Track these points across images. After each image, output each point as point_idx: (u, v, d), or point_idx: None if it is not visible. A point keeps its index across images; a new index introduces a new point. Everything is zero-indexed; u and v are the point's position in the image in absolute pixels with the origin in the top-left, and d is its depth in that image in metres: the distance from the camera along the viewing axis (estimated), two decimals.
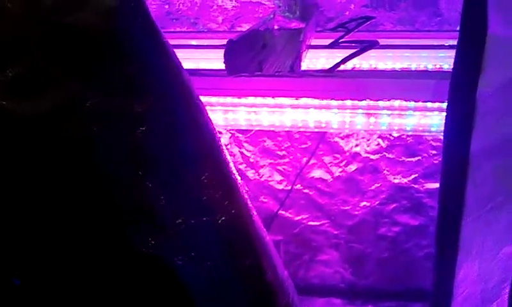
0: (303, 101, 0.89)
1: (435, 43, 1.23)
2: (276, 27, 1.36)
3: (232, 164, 0.58)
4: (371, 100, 0.83)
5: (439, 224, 0.84)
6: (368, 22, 1.17)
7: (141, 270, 0.50)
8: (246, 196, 0.59)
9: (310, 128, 0.92)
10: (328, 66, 0.90)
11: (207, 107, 0.94)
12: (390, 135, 1.54)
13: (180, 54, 1.22)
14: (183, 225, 0.51)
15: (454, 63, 0.75)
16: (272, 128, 0.90)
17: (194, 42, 1.39)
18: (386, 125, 0.90)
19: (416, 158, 1.58)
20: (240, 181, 0.59)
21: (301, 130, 0.95)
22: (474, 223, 0.81)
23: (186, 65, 1.13)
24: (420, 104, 0.89)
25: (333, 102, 0.88)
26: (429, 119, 0.91)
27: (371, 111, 0.89)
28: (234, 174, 0.58)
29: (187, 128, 0.51)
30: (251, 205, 0.59)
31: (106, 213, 0.49)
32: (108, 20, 0.44)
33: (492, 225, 0.82)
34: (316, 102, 0.88)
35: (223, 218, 0.52)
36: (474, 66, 0.72)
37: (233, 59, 0.79)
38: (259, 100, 0.90)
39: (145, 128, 0.46)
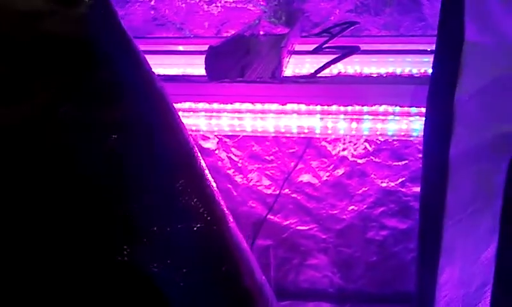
0: (286, 107, 0.89)
1: (419, 48, 1.24)
2: (261, 32, 1.37)
3: (207, 171, 0.58)
4: (352, 105, 0.84)
5: (420, 228, 0.85)
6: (351, 27, 1.18)
7: (116, 278, 0.50)
8: (222, 203, 0.59)
9: (293, 134, 0.92)
10: (311, 72, 0.91)
11: (191, 113, 0.94)
12: (377, 139, 1.55)
13: (165, 59, 1.22)
14: (158, 232, 0.51)
15: (432, 69, 0.76)
16: (256, 134, 0.90)
17: (180, 48, 1.40)
18: (368, 130, 0.90)
19: (403, 162, 1.59)
20: (215, 188, 0.59)
21: (286, 135, 0.95)
22: (455, 227, 0.82)
23: (172, 71, 1.14)
24: (402, 109, 0.90)
25: (317, 108, 0.89)
26: (412, 125, 0.92)
27: (353, 116, 0.90)
28: (210, 181, 0.58)
29: (161, 136, 0.51)
30: (227, 211, 0.59)
31: (80, 221, 0.49)
32: (77, 28, 0.44)
33: (473, 229, 0.83)
34: (299, 107, 0.89)
35: (199, 225, 0.52)
36: (451, 72, 0.73)
37: (214, 65, 0.79)
38: (243, 106, 0.91)
39: (117, 136, 0.46)
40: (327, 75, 0.89)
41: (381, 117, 0.89)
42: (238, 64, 0.81)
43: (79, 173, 0.47)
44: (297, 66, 1.12)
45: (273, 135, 0.91)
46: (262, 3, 1.47)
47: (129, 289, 0.51)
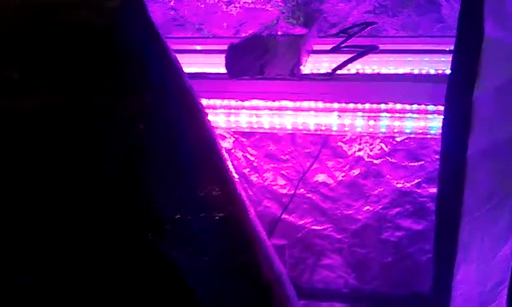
0: (304, 104, 0.91)
1: (437, 48, 1.24)
2: (279, 33, 1.38)
3: (229, 163, 0.60)
4: (370, 103, 0.85)
5: (437, 226, 0.85)
6: (368, 27, 1.19)
7: (140, 264, 0.52)
8: (243, 194, 0.60)
9: (310, 131, 0.94)
10: (329, 71, 0.92)
11: (210, 110, 0.96)
12: (393, 139, 1.55)
13: (185, 58, 1.24)
14: (181, 221, 0.52)
15: (451, 67, 0.77)
16: (274, 131, 0.91)
17: (198, 47, 1.42)
18: (385, 128, 0.91)
19: (420, 163, 1.59)
20: (237, 179, 0.61)
21: (303, 132, 0.96)
22: (472, 224, 0.82)
23: (191, 69, 1.16)
24: (419, 107, 0.90)
25: (334, 105, 0.90)
26: (429, 122, 0.93)
27: (371, 114, 0.90)
28: (231, 172, 0.59)
29: (185, 128, 0.53)
30: (248, 203, 0.61)
31: (105, 210, 0.51)
32: (109, 20, 0.46)
33: (490, 226, 0.83)
34: (317, 104, 0.90)
35: (221, 215, 0.54)
36: (470, 69, 0.73)
37: (234, 63, 0.81)
38: (261, 103, 0.92)
39: (143, 125, 0.48)
40: (345, 73, 0.90)
41: (398, 115, 0.89)
42: (257, 62, 0.83)
43: (106, 161, 0.49)
44: (315, 65, 1.13)
45: (290, 132, 0.92)
46: (280, 4, 1.49)
47: (152, 275, 0.52)
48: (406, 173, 1.60)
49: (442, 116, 0.79)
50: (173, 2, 1.57)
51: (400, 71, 1.15)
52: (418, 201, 1.62)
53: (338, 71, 0.85)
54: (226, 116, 0.95)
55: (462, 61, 0.75)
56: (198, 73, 0.95)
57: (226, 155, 0.59)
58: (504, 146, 0.78)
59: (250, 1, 1.52)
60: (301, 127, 0.94)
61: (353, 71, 1.11)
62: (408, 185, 1.62)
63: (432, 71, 1.16)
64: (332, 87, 0.82)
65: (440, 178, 0.82)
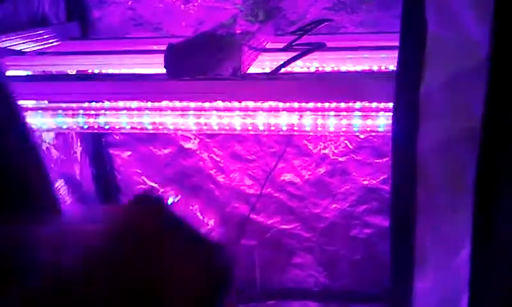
0: (251, 104, 0.89)
1: (396, 45, 1.23)
2: (237, 31, 1.36)
3: None
4: (315, 102, 0.83)
5: (392, 231, 0.83)
6: (322, 25, 1.17)
7: None
8: None
9: (259, 131, 0.92)
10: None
11: (157, 112, 0.94)
12: (357, 136, 1.54)
13: (143, 59, 1.21)
14: None
15: (397, 64, 0.75)
16: (222, 132, 0.89)
17: (156, 47, 1.39)
18: (333, 126, 0.89)
19: (385, 159, 1.58)
20: None
21: (251, 133, 0.95)
22: (428, 229, 0.80)
23: (150, 70, 1.14)
24: (367, 105, 0.89)
25: (280, 104, 0.88)
26: (378, 120, 0.91)
27: (318, 113, 0.89)
28: None
29: None
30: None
31: None
32: None
33: (447, 230, 0.80)
34: (263, 104, 0.88)
35: None
36: (416, 65, 0.72)
37: (174, 63, 0.79)
38: (207, 104, 0.90)
39: None
40: (289, 72, 0.88)
41: (344, 113, 0.88)
42: (198, 62, 0.80)
43: None
44: (272, 64, 1.11)
45: (239, 132, 0.90)
46: (238, 2, 1.47)
47: None
48: (371, 169, 1.60)
49: (390, 114, 0.78)
50: (130, 2, 1.54)
51: (359, 68, 1.14)
52: (385, 198, 1.62)
53: (283, 70, 0.83)
54: (173, 118, 0.92)
55: (407, 56, 0.74)
56: (138, 74, 0.93)
57: None
58: (455, 142, 0.76)
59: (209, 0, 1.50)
60: (250, 127, 0.92)
61: (313, 69, 1.10)
62: (374, 181, 1.61)
63: (391, 67, 1.15)
64: (274, 86, 0.80)
65: (392, 181, 0.80)
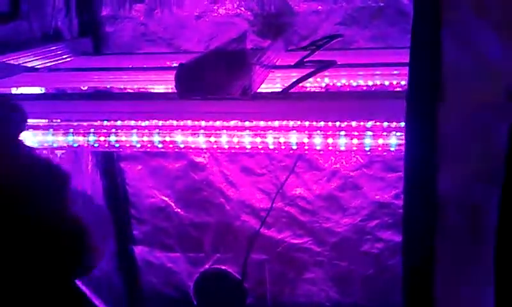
0: (260, 123, 0.89)
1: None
2: (248, 46, 1.37)
3: None
4: (326, 121, 0.83)
5: (406, 284, 0.71)
6: (334, 40, 1.17)
7: None
8: None
9: (270, 150, 0.92)
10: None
11: (167, 131, 0.94)
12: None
13: (154, 76, 1.22)
14: None
15: (408, 91, 0.69)
16: (232, 151, 0.89)
17: (168, 63, 1.40)
18: (344, 146, 0.89)
19: (397, 174, 1.57)
20: None
21: (262, 152, 0.94)
22: (448, 279, 0.71)
23: (160, 87, 1.14)
24: (378, 124, 0.88)
25: (290, 123, 0.88)
26: (389, 139, 0.91)
27: (329, 132, 0.88)
28: None
29: None
30: None
31: None
32: None
33: (469, 277, 0.73)
34: (273, 123, 0.88)
35: None
36: (431, 97, 0.66)
37: (185, 82, 0.79)
38: (217, 123, 0.90)
39: None
40: (299, 91, 0.88)
41: (357, 132, 0.87)
42: (210, 81, 0.81)
43: None
44: (283, 81, 1.11)
45: (249, 151, 0.90)
46: (250, 17, 1.47)
47: None
48: (383, 184, 1.58)
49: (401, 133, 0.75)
50: (143, 17, 1.55)
51: (370, 84, 1.13)
52: (397, 213, 1.60)
53: (299, 85, 0.83)
54: (183, 136, 0.92)
55: (420, 85, 0.67)
56: (148, 92, 0.93)
57: None
58: (475, 182, 0.69)
59: (220, 15, 1.50)
60: (260, 146, 0.91)
61: (323, 85, 1.10)
62: (386, 196, 1.60)
63: (403, 83, 1.14)
64: (285, 106, 0.80)
65: (405, 223, 0.69)
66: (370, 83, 1.14)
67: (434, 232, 0.66)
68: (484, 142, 0.65)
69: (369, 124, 0.84)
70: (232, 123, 0.89)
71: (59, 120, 1.00)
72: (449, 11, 0.63)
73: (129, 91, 1.08)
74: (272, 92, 0.87)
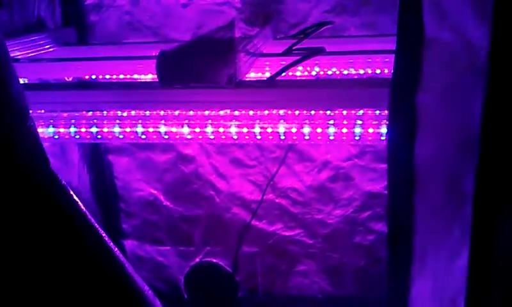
0: (247, 112, 0.86)
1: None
2: (236, 35, 1.33)
3: None
4: (315, 110, 0.80)
5: (389, 238, 0.81)
6: (323, 27, 1.14)
7: None
8: None
9: (256, 140, 0.89)
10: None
11: (150, 121, 0.91)
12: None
13: (140, 65, 1.18)
14: None
15: (393, 70, 0.72)
16: (214, 141, 0.86)
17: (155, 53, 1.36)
18: (333, 135, 0.86)
19: None
20: None
21: (250, 142, 0.92)
22: (425, 236, 0.78)
23: (147, 77, 1.11)
24: (367, 112, 0.86)
25: (279, 112, 0.85)
26: (380, 128, 0.88)
27: (317, 121, 0.86)
28: None
29: None
30: None
31: None
32: None
33: (444, 238, 0.79)
34: (260, 113, 0.85)
35: None
36: (412, 71, 0.69)
37: (166, 70, 0.76)
38: (202, 113, 0.87)
39: None
40: (286, 78, 0.85)
41: (345, 121, 0.85)
42: (194, 69, 0.77)
43: None
44: (271, 69, 1.08)
45: (235, 142, 0.87)
46: (238, 5, 1.44)
47: None
48: (375, 175, 1.56)
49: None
50: (128, 6, 1.51)
51: (351, 72, 1.10)
52: None
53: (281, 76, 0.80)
54: (167, 127, 0.89)
55: (403, 62, 0.71)
56: (130, 81, 0.90)
57: None
58: (453, 151, 0.73)
59: (208, 3, 1.47)
60: (247, 137, 0.89)
61: (314, 73, 1.07)
62: (378, 187, 1.58)
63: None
64: (271, 94, 0.77)
65: (389, 188, 0.77)
66: (361, 71, 1.11)
67: (413, 195, 0.73)
68: (461, 112, 0.70)
69: (360, 113, 0.81)
70: (219, 112, 0.86)
71: (43, 111, 0.97)
72: None
73: (113, 81, 1.05)
74: (258, 80, 0.84)
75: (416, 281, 0.80)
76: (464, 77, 0.69)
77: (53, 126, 0.91)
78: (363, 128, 0.84)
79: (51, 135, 0.91)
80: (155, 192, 1.69)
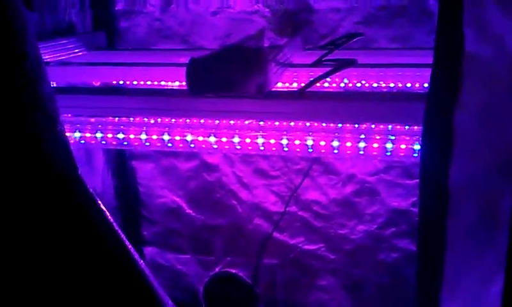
0: (275, 123, 0.84)
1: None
2: (265, 45, 1.32)
3: None
4: (343, 123, 0.78)
5: (420, 260, 0.77)
6: (353, 39, 1.12)
7: None
8: None
9: (283, 152, 0.87)
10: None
11: (178, 129, 0.90)
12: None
13: (168, 72, 1.18)
14: None
15: (429, 85, 0.69)
16: (245, 152, 0.85)
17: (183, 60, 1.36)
18: (363, 150, 0.84)
19: (415, 181, 1.51)
20: None
21: (275, 154, 0.90)
22: (457, 260, 0.74)
23: (175, 84, 1.10)
24: (399, 127, 0.83)
25: (306, 124, 0.83)
26: (413, 145, 0.85)
27: (347, 135, 0.83)
28: None
29: None
30: None
31: None
32: None
33: (476, 263, 0.75)
34: (288, 124, 0.83)
35: None
36: (450, 87, 0.66)
37: (196, 79, 0.75)
38: (229, 122, 0.86)
39: None
40: (316, 90, 0.83)
41: (378, 136, 0.82)
42: (223, 78, 0.76)
43: None
44: (300, 80, 1.06)
45: (263, 153, 0.85)
46: (267, 14, 1.43)
47: None
48: (401, 191, 1.52)
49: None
50: (158, 12, 1.51)
51: (382, 85, 1.08)
52: (415, 221, 1.54)
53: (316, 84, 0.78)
54: (194, 136, 0.88)
55: (441, 76, 0.68)
56: (159, 89, 0.90)
57: None
58: (490, 173, 0.70)
59: (237, 11, 1.46)
60: (274, 148, 0.87)
61: (342, 85, 1.05)
62: (404, 204, 1.54)
63: (427, 85, 1.09)
64: (301, 106, 0.75)
65: (420, 208, 0.74)
66: (391, 85, 1.09)
67: (445, 217, 0.69)
68: (499, 132, 0.67)
69: (390, 127, 0.78)
70: (246, 122, 0.85)
71: (69, 115, 0.97)
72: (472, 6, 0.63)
73: (140, 87, 1.04)
74: (288, 91, 0.83)
75: (445, 305, 0.77)
76: (503, 95, 0.66)
77: (79, 131, 0.90)
78: (394, 144, 0.81)
79: (77, 140, 0.90)
80: (178, 199, 1.68)
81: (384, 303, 1.66)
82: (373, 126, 0.80)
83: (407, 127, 0.79)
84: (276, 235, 1.64)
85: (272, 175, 1.60)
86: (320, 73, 0.81)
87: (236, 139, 0.80)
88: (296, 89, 0.82)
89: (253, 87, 0.75)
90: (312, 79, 0.79)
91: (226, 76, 0.75)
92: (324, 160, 1.54)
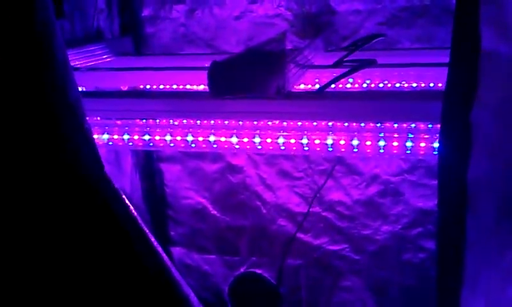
0: (295, 123, 0.86)
1: None
2: (288, 47, 1.34)
3: None
4: (364, 122, 0.79)
5: (439, 259, 0.77)
6: (375, 40, 1.13)
7: None
8: None
9: (304, 152, 0.89)
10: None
11: (199, 130, 0.93)
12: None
13: (193, 76, 1.21)
14: None
15: (446, 83, 0.70)
16: (264, 152, 0.87)
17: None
18: (383, 148, 0.85)
19: None
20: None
21: (297, 153, 0.91)
22: (477, 257, 0.74)
23: (199, 88, 1.13)
24: (420, 126, 0.84)
25: (328, 124, 0.84)
26: (432, 143, 0.86)
27: (367, 134, 0.85)
28: None
29: None
30: None
31: None
32: None
33: (497, 261, 0.75)
34: (307, 123, 0.85)
35: None
36: (467, 85, 0.67)
37: (217, 81, 0.77)
38: (251, 123, 0.88)
39: None
40: (335, 90, 0.84)
41: (396, 134, 0.83)
42: (244, 80, 0.78)
43: None
44: (321, 81, 1.08)
45: (283, 152, 0.87)
46: (289, 17, 1.45)
47: None
48: (426, 191, 1.51)
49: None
50: (183, 18, 1.55)
51: (403, 85, 1.08)
52: None
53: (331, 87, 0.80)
54: (216, 136, 0.91)
55: (458, 74, 0.68)
56: (181, 91, 0.92)
57: None
58: (508, 170, 0.70)
59: (260, 15, 1.48)
60: (294, 148, 0.89)
61: (365, 85, 1.06)
62: (430, 204, 1.53)
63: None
64: (321, 106, 0.76)
65: (439, 206, 0.75)
66: (414, 85, 1.09)
67: (465, 216, 0.69)
68: None
69: (412, 126, 0.79)
70: (269, 123, 0.87)
71: (98, 118, 1.01)
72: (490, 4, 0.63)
73: (166, 90, 1.08)
74: (307, 91, 0.84)
75: (467, 302, 0.77)
76: None
77: (108, 133, 0.94)
78: (414, 142, 0.82)
79: (105, 142, 0.94)
80: (203, 200, 1.71)
81: (409, 304, 1.65)
82: (396, 125, 0.81)
83: (430, 125, 0.80)
84: (300, 235, 1.65)
85: (296, 176, 1.61)
86: (340, 73, 0.82)
87: (257, 139, 0.82)
88: (313, 90, 0.83)
89: (272, 89, 0.77)
90: (331, 79, 0.80)
91: (246, 78, 0.78)
92: (348, 161, 1.55)
